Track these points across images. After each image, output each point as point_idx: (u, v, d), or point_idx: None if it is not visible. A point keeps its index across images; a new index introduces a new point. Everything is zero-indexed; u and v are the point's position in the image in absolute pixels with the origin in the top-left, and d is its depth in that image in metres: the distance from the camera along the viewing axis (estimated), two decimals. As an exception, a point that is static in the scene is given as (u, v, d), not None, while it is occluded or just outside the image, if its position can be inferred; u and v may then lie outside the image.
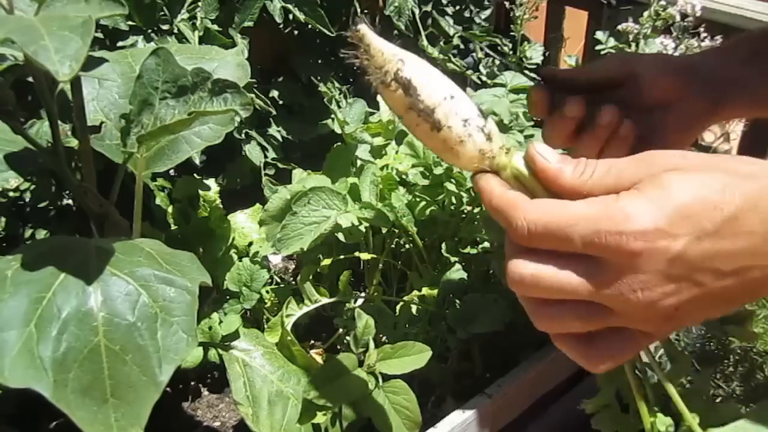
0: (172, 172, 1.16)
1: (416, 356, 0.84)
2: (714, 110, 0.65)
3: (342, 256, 1.10)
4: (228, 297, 1.03)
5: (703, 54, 0.75)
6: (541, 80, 0.68)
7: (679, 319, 0.40)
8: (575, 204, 0.40)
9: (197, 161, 1.20)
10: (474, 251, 1.04)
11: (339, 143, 1.15)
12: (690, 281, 0.38)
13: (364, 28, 0.44)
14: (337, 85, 1.44)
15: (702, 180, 0.38)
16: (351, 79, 1.56)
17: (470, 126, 0.45)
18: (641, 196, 0.38)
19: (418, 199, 1.07)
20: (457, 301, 0.99)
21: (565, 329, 0.42)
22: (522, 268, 0.41)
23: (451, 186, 1.03)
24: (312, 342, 1.16)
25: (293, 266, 1.34)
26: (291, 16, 1.29)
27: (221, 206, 1.07)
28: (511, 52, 1.33)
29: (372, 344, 0.87)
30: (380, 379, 0.84)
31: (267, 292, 1.10)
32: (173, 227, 1.05)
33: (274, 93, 1.42)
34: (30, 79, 0.71)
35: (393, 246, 1.12)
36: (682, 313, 0.40)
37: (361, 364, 0.85)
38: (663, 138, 0.65)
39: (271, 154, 1.36)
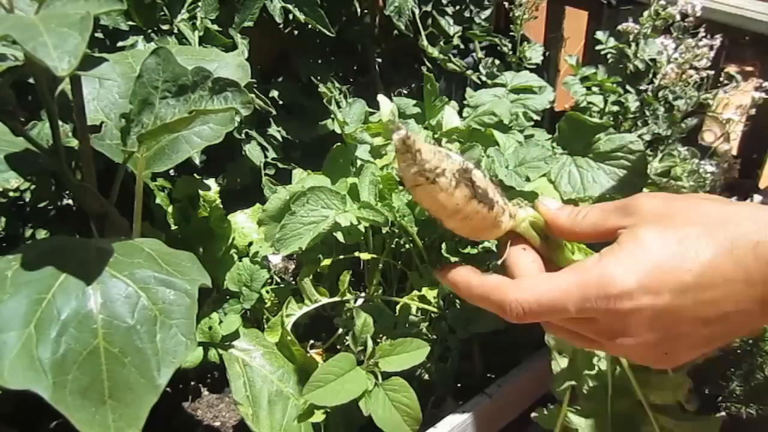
0: (172, 172, 1.15)
1: (415, 352, 0.85)
2: None
3: (342, 256, 1.10)
4: (228, 297, 1.03)
5: None
6: None
7: (670, 361, 0.43)
8: (560, 276, 0.42)
9: (197, 161, 1.20)
10: (474, 251, 1.04)
11: (339, 143, 1.15)
12: (677, 331, 0.41)
13: (414, 134, 0.42)
14: (337, 85, 1.44)
15: (676, 235, 0.40)
16: (351, 79, 1.56)
17: (499, 195, 0.47)
18: (621, 253, 0.41)
19: (418, 199, 1.06)
20: (457, 301, 0.99)
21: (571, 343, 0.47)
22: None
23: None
24: (312, 342, 1.16)
25: (293, 266, 1.34)
26: (291, 16, 1.28)
27: (221, 206, 1.07)
28: (511, 52, 1.33)
29: (370, 342, 0.87)
30: (380, 377, 0.85)
31: (267, 292, 1.10)
32: (173, 227, 1.05)
33: (274, 93, 1.42)
34: (30, 79, 0.71)
35: (393, 246, 1.12)
36: (672, 357, 0.43)
37: (360, 362, 0.85)
38: None
39: (271, 154, 1.36)
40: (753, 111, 1.11)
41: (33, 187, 1.03)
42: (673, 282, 0.39)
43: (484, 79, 1.27)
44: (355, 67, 1.59)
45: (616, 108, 1.17)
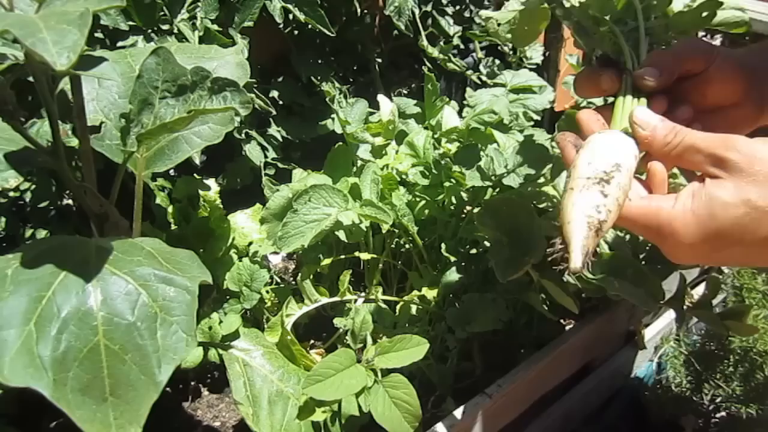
0: (172, 172, 1.16)
1: (414, 349, 0.84)
2: (761, 114, 0.64)
3: (342, 256, 1.10)
4: (228, 297, 1.03)
5: (760, 52, 0.67)
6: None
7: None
8: (633, 207, 0.53)
9: (197, 161, 1.20)
10: (474, 251, 1.04)
11: (340, 143, 1.15)
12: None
13: None
14: (337, 85, 1.44)
15: (745, 208, 0.48)
16: (351, 79, 1.56)
17: None
18: (690, 214, 0.50)
19: (418, 199, 1.06)
20: (457, 300, 0.99)
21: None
22: None
23: (450, 186, 1.03)
24: (312, 342, 1.16)
25: (293, 266, 1.34)
26: (291, 16, 1.29)
27: (221, 206, 1.07)
28: (511, 52, 1.33)
29: (370, 339, 0.87)
30: (379, 374, 0.84)
31: (267, 292, 1.10)
32: (173, 227, 1.05)
33: (274, 93, 1.42)
34: (30, 78, 0.71)
35: (393, 246, 1.12)
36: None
37: (359, 359, 0.85)
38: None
39: (271, 154, 1.36)
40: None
41: (33, 187, 1.03)
42: (721, 244, 0.49)
43: (484, 78, 1.27)
44: (355, 67, 1.59)
45: (615, 108, 1.17)
